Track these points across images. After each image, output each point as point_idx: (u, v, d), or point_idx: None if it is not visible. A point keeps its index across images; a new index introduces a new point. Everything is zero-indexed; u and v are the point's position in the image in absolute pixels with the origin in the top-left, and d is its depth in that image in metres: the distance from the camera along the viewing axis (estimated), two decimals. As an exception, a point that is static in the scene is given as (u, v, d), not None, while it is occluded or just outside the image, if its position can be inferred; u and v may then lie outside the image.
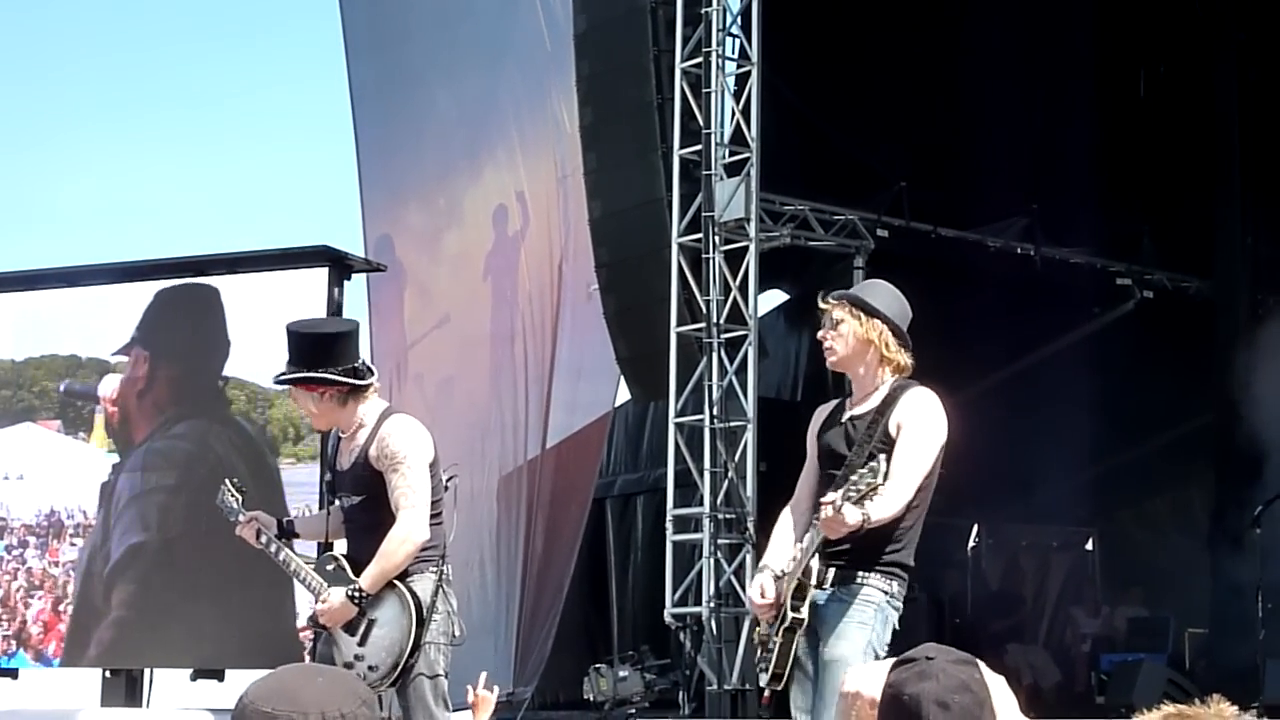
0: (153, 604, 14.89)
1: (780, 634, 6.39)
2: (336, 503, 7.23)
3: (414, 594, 6.88)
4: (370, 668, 6.79)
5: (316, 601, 7.03)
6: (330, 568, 7.06)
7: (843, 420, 6.61)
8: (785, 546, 6.57)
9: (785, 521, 6.70)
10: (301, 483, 13.73)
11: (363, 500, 7.01)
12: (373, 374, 7.13)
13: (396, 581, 6.90)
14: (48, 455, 15.01)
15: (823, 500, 6.20)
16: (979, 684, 3.10)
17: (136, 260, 15.76)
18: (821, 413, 6.81)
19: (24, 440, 15.32)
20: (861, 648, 6.37)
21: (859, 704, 3.37)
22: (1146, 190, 17.93)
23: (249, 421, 13.98)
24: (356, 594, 6.90)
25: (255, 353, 14.52)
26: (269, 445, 13.94)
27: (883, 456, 6.21)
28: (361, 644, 6.91)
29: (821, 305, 6.72)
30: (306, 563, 7.22)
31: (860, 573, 6.43)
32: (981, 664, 3.22)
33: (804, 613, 6.34)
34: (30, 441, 15.30)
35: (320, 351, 7.12)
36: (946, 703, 3.05)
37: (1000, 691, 3.16)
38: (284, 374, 7.14)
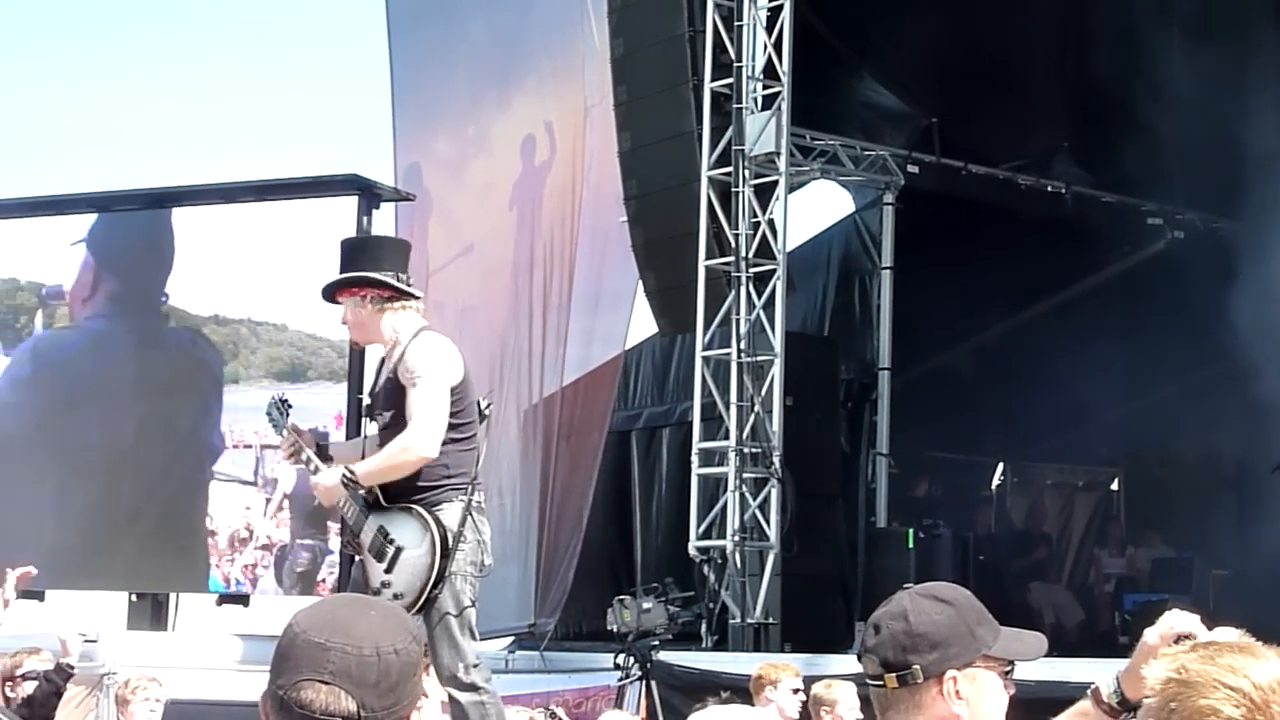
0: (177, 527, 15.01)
1: None
2: (372, 422, 7.22)
3: (440, 524, 6.86)
4: (396, 595, 6.77)
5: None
6: (363, 491, 7.05)
7: None
8: None
9: None
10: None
11: (392, 416, 7.00)
12: (414, 289, 7.15)
13: (424, 510, 6.88)
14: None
15: None
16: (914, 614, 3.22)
17: (165, 186, 15.81)
18: None
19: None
20: None
21: None
22: (1181, 130, 17.79)
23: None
24: (349, 476, 6.94)
25: (287, 279, 14.57)
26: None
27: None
28: (389, 571, 6.90)
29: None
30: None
31: None
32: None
33: None
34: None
35: (363, 254, 7.19)
36: (880, 626, 3.22)
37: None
38: (330, 281, 7.17)
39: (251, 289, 14.88)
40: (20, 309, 15.51)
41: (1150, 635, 3.40)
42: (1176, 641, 3.24)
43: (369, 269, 7.10)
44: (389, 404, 7.01)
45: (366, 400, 7.45)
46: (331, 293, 7.23)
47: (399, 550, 6.90)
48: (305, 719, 2.41)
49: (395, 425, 6.98)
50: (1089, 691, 3.51)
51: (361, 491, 7.03)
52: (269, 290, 14.71)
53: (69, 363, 15.20)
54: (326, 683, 2.41)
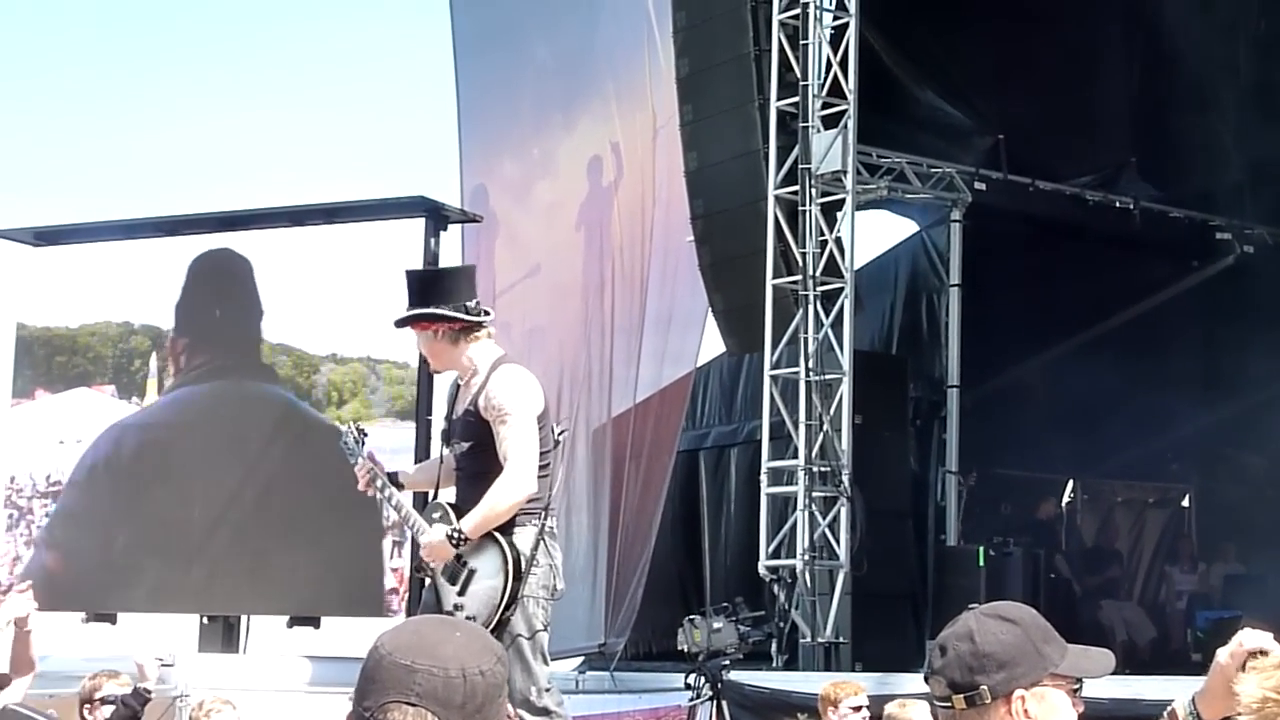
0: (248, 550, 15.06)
1: None
2: (449, 450, 7.22)
3: (514, 547, 6.87)
4: (469, 618, 6.76)
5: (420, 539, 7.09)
6: (437, 515, 7.08)
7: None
8: None
9: None
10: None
11: (470, 448, 7.01)
12: (488, 315, 7.16)
13: (498, 534, 6.90)
14: (103, 419, 15.18)
15: None
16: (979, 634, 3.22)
17: (234, 210, 15.89)
18: None
19: (79, 405, 15.51)
20: None
21: None
22: (1249, 144, 17.69)
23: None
24: (456, 535, 6.90)
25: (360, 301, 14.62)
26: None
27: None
28: (461, 593, 6.92)
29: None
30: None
31: None
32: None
33: None
34: (85, 406, 15.48)
35: (432, 289, 7.19)
36: (946, 647, 3.22)
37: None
38: (401, 316, 7.21)
39: (330, 319, 14.89)
40: (134, 352, 15.47)
41: (1222, 655, 3.39)
42: (1250, 659, 3.24)
43: (439, 303, 7.09)
44: (468, 435, 7.03)
45: (442, 426, 7.44)
46: (403, 323, 7.27)
47: (472, 573, 6.92)
48: (391, 742, 2.43)
49: (474, 455, 6.99)
50: (1165, 713, 3.51)
51: (436, 515, 7.06)
52: (350, 319, 14.73)
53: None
54: (413, 704, 2.41)
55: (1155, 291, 17.75)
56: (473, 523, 6.90)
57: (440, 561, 6.98)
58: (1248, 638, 3.33)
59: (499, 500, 6.87)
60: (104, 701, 7.53)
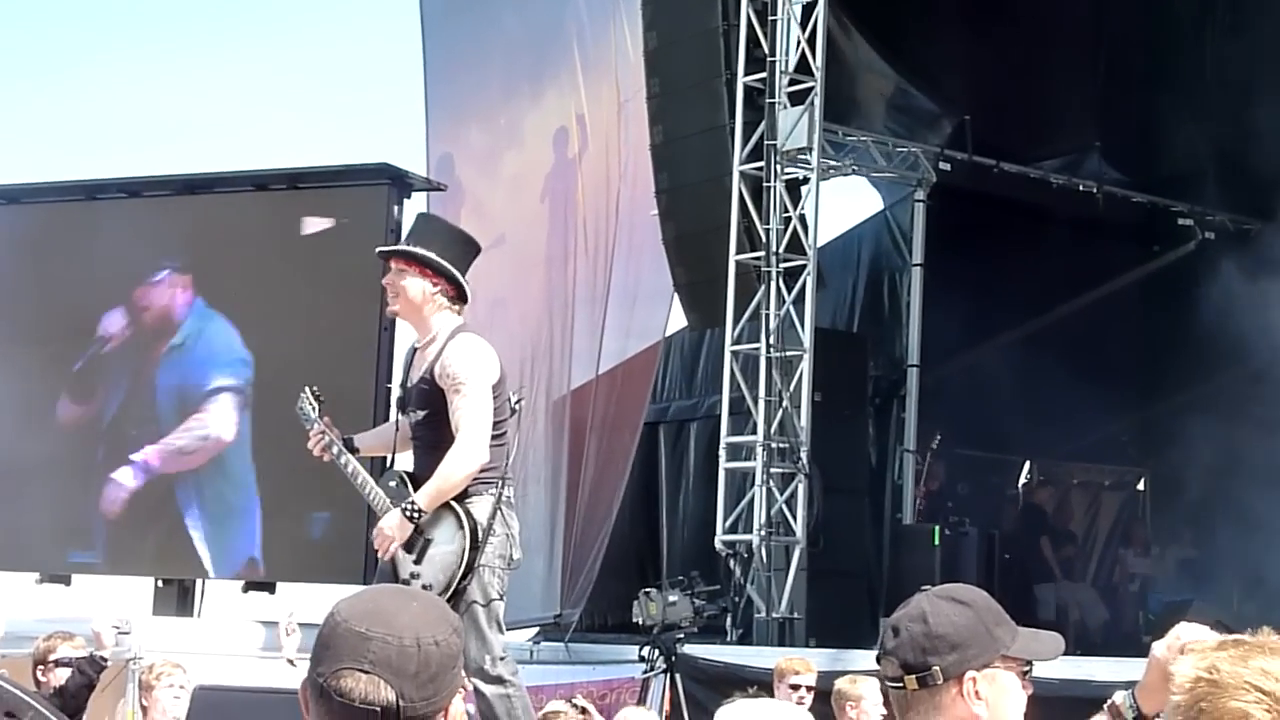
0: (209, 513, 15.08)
1: None
2: (404, 417, 7.19)
3: (470, 515, 6.86)
4: (425, 586, 6.75)
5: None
6: (393, 484, 7.05)
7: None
8: None
9: None
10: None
11: (425, 416, 6.97)
12: (467, 299, 7.11)
13: (454, 502, 6.89)
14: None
15: None
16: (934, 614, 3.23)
17: (199, 173, 15.86)
18: None
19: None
20: None
21: None
22: (1212, 130, 17.74)
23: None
24: (411, 510, 6.88)
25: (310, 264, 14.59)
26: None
27: None
28: (418, 562, 6.90)
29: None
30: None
31: None
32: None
33: None
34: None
35: (444, 241, 7.12)
36: (899, 628, 3.26)
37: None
38: (409, 249, 7.09)
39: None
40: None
41: (1158, 648, 3.42)
42: (1182, 653, 3.26)
43: (454, 264, 7.05)
44: (423, 403, 6.99)
45: (398, 393, 7.39)
46: (393, 256, 7.16)
47: (428, 542, 6.91)
48: (344, 707, 2.43)
49: (429, 424, 6.95)
50: (1105, 706, 3.54)
51: (393, 484, 7.04)
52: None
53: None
54: (366, 672, 2.43)
55: (1116, 275, 17.82)
56: (427, 496, 6.87)
57: (399, 540, 6.94)
58: (1185, 632, 3.35)
59: (452, 472, 6.85)
60: (59, 664, 7.47)
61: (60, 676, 7.43)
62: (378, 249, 7.29)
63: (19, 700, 6.60)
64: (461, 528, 6.86)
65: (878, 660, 3.32)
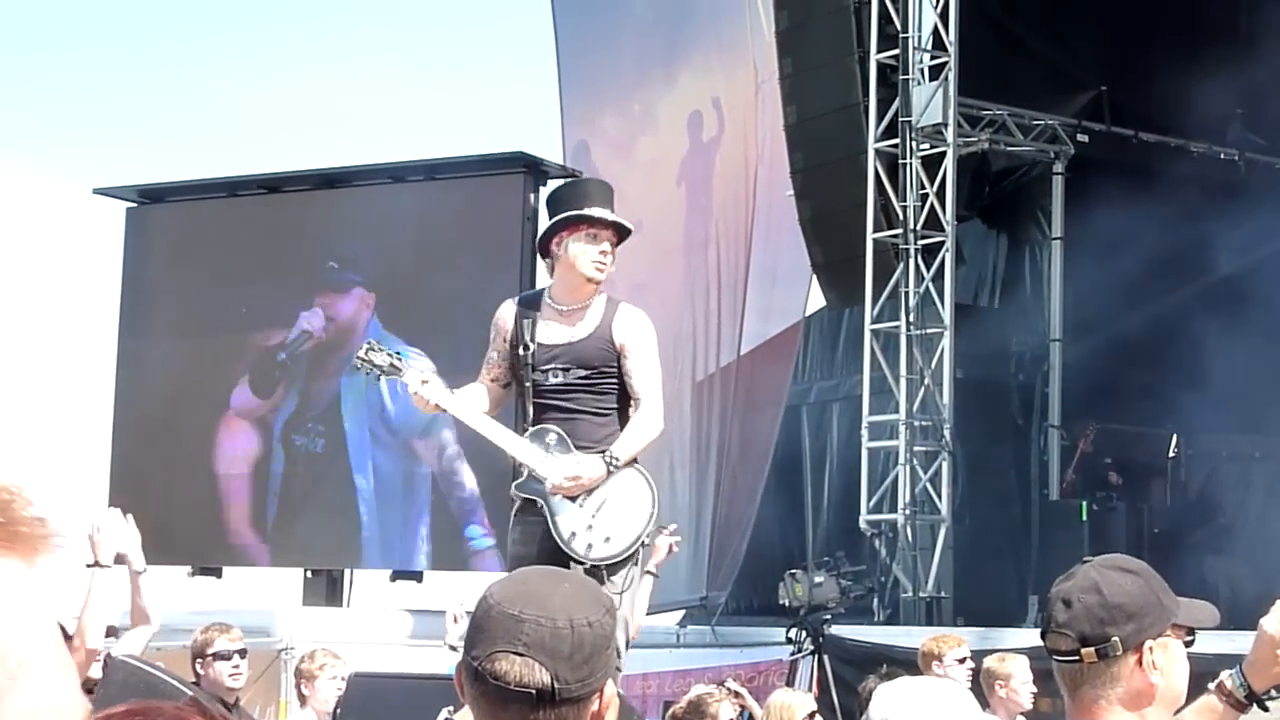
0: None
1: None
2: (537, 377, 6.76)
3: (651, 482, 6.78)
4: (606, 539, 6.60)
5: (540, 470, 6.66)
6: (551, 439, 6.72)
7: None
8: None
9: None
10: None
11: (587, 376, 6.70)
12: None
13: (642, 469, 6.80)
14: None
15: None
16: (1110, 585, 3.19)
17: (337, 166, 16.03)
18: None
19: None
20: None
21: None
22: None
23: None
24: (613, 460, 6.65)
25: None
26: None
27: None
28: (591, 524, 6.65)
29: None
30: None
31: None
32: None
33: None
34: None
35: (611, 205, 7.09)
36: (1070, 600, 3.20)
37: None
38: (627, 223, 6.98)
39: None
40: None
41: (1268, 624, 3.37)
42: None
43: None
44: (593, 360, 6.74)
45: (530, 349, 6.80)
46: (624, 231, 7.00)
47: (603, 501, 6.67)
48: (499, 690, 2.44)
49: (587, 385, 6.75)
50: (1212, 685, 3.49)
51: (552, 441, 6.71)
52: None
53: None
54: (520, 654, 2.43)
55: (1262, 244, 17.56)
56: (626, 449, 6.67)
57: (589, 487, 6.67)
58: None
59: (648, 430, 6.71)
60: (217, 656, 7.49)
61: (220, 669, 7.44)
62: (615, 218, 6.99)
63: (177, 693, 6.65)
64: (651, 492, 6.79)
65: (1043, 636, 3.28)
